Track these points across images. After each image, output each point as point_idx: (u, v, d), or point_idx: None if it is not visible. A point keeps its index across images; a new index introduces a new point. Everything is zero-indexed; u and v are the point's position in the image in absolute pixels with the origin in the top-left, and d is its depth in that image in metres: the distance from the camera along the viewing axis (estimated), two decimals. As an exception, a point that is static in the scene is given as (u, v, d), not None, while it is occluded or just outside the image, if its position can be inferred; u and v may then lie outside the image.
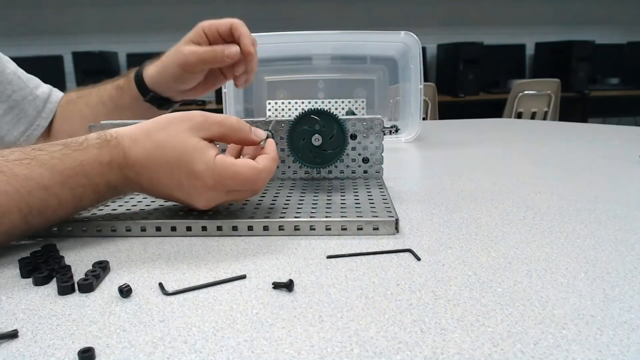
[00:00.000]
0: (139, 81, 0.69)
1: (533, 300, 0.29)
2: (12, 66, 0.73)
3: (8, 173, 0.37)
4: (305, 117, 0.53)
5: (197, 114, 0.43)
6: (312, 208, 0.45)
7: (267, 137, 0.46)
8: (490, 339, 0.25)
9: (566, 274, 0.33)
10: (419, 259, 0.36)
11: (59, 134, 0.74)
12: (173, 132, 0.41)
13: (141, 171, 0.42)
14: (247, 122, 0.57)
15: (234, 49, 0.65)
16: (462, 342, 0.25)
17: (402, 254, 0.37)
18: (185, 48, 0.65)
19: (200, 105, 2.94)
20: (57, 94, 0.78)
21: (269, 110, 1.04)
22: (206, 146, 0.41)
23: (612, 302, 0.29)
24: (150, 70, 0.69)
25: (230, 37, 0.66)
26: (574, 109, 3.22)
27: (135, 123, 0.43)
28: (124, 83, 0.70)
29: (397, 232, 0.42)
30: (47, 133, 0.75)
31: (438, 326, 0.27)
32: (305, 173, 0.59)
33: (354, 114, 1.02)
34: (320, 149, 0.54)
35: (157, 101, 0.70)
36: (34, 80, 0.76)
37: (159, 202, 0.48)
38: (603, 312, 0.28)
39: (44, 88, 0.76)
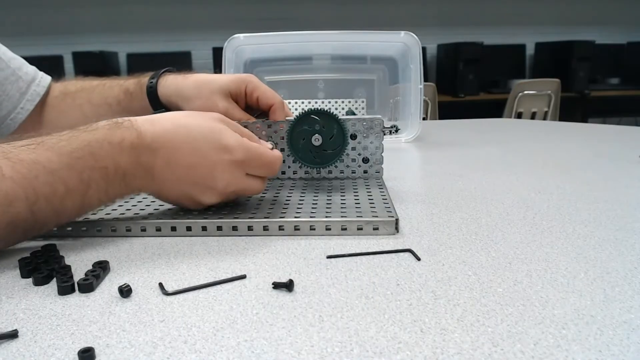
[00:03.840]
0: (152, 93, 0.63)
1: (533, 300, 0.29)
2: None
3: (14, 159, 0.36)
4: (305, 117, 0.53)
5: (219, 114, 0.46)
6: (312, 208, 0.45)
7: (272, 148, 0.47)
8: (490, 339, 0.25)
9: (566, 274, 0.33)
10: (419, 259, 0.36)
11: (55, 127, 0.71)
12: (198, 117, 0.43)
13: (159, 150, 0.41)
14: (248, 122, 0.57)
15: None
16: (462, 342, 0.25)
17: (402, 254, 0.37)
18: (221, 103, 0.59)
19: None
20: (45, 78, 0.73)
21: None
22: (233, 129, 0.43)
23: (612, 302, 0.29)
24: (168, 89, 0.62)
25: (265, 110, 0.60)
26: (574, 109, 3.22)
27: None
28: (134, 89, 0.65)
29: (397, 232, 0.42)
30: (40, 124, 0.70)
31: (438, 326, 0.27)
32: (305, 173, 0.59)
33: (354, 114, 1.02)
34: (320, 148, 0.54)
35: None
36: (17, 60, 0.71)
37: (159, 203, 0.48)
38: (603, 312, 0.28)
39: (28, 69, 0.71)
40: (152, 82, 0.63)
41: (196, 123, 0.43)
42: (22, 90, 0.69)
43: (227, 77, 0.60)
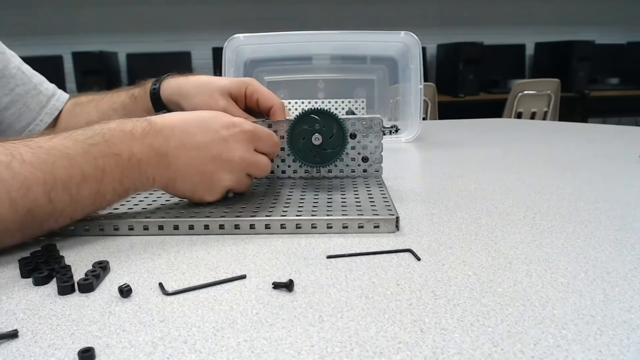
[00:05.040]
0: (154, 94, 0.65)
1: (533, 300, 0.29)
2: (17, 61, 0.73)
3: (33, 146, 0.38)
4: (305, 116, 0.53)
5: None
6: (314, 207, 0.45)
7: None
8: (490, 339, 0.25)
9: (566, 274, 0.33)
10: (419, 259, 0.36)
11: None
12: (201, 110, 0.47)
13: (171, 134, 0.43)
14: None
15: None
16: (462, 342, 0.25)
17: (402, 254, 0.37)
18: (221, 102, 0.60)
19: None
20: (63, 94, 0.77)
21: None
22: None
23: (612, 302, 0.29)
24: (170, 89, 0.64)
25: (265, 112, 0.60)
26: (574, 109, 3.22)
27: None
28: (139, 93, 0.67)
29: (398, 230, 0.42)
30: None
31: (438, 326, 0.27)
32: (305, 172, 0.59)
33: (354, 113, 1.02)
34: (320, 148, 0.54)
35: None
36: (38, 77, 0.76)
37: (161, 202, 0.48)
38: (603, 312, 0.28)
39: (49, 85, 0.76)
40: (155, 86, 0.65)
41: (201, 111, 0.47)
42: (42, 104, 0.74)
43: (228, 79, 0.62)
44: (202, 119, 0.45)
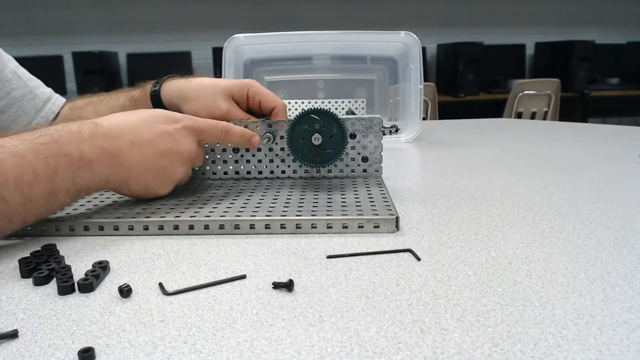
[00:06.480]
0: (155, 97, 0.64)
1: (533, 300, 0.29)
2: (13, 65, 0.73)
3: None
4: (305, 116, 0.53)
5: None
6: (314, 206, 0.45)
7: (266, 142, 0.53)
8: (490, 339, 0.25)
9: (566, 274, 0.33)
10: (419, 259, 0.36)
11: None
12: (142, 110, 0.49)
13: (120, 134, 0.43)
14: (248, 122, 0.57)
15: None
16: (462, 342, 0.25)
17: (402, 253, 0.37)
18: (223, 104, 0.59)
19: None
20: (60, 98, 0.77)
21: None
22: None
23: (612, 302, 0.29)
24: (171, 92, 0.63)
25: (267, 113, 0.61)
26: (574, 109, 3.22)
27: None
28: (139, 95, 0.66)
29: (398, 229, 0.42)
30: None
31: (438, 326, 0.27)
32: (305, 172, 0.59)
33: (353, 113, 1.02)
34: (320, 148, 0.54)
35: None
36: (34, 81, 0.76)
37: (161, 202, 0.48)
38: (603, 312, 0.28)
39: (45, 89, 0.76)
40: (155, 87, 0.64)
41: (141, 110, 0.48)
42: (37, 107, 0.74)
43: (230, 81, 0.62)
44: (144, 118, 0.46)
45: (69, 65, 3.18)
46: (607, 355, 0.24)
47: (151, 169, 0.46)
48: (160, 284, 0.32)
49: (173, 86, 0.63)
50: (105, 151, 0.42)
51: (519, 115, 2.94)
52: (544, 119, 2.95)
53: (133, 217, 0.43)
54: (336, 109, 1.03)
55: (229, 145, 0.58)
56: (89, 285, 0.32)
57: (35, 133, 0.40)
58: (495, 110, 3.02)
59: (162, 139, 0.46)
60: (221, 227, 0.42)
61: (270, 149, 0.58)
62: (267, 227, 0.42)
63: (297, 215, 0.43)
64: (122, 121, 0.45)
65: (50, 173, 0.39)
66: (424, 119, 1.02)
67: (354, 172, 0.58)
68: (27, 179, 0.38)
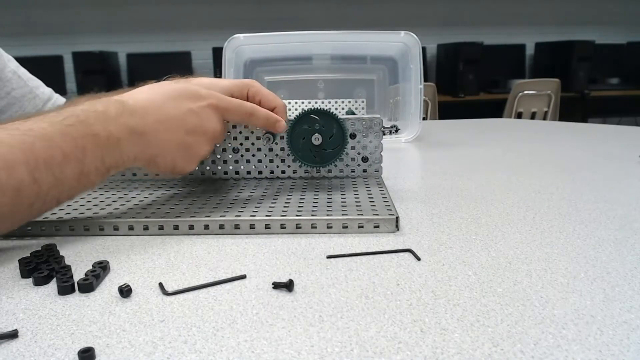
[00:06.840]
0: None
1: (533, 300, 0.29)
2: (13, 65, 0.74)
3: (9, 128, 0.38)
4: (305, 116, 0.53)
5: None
6: (314, 206, 0.45)
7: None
8: (490, 339, 0.25)
9: (566, 274, 0.33)
10: (419, 259, 0.36)
11: None
12: (168, 83, 0.48)
13: (146, 112, 0.43)
14: None
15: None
16: (462, 342, 0.25)
17: (402, 253, 0.37)
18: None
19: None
20: (60, 98, 0.78)
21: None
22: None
23: (612, 302, 0.29)
24: None
25: None
26: (574, 109, 3.22)
27: None
28: None
29: (398, 229, 0.42)
30: None
31: (438, 326, 0.27)
32: (305, 172, 0.59)
33: (353, 113, 1.02)
34: (320, 148, 0.54)
35: None
36: (35, 81, 0.76)
37: (161, 202, 0.48)
38: (603, 312, 0.28)
39: (45, 89, 0.77)
40: None
41: (168, 86, 0.47)
42: (38, 107, 0.75)
43: (230, 81, 0.62)
44: (170, 95, 0.46)
45: (69, 65, 3.18)
46: (607, 355, 0.24)
47: (178, 147, 0.46)
48: (160, 284, 0.32)
49: None
50: (132, 129, 0.42)
51: (519, 115, 2.94)
52: (544, 119, 2.95)
53: (133, 217, 0.43)
54: (336, 109, 1.03)
55: (229, 144, 0.58)
56: (89, 285, 0.32)
57: (62, 114, 0.40)
58: (495, 110, 3.02)
59: (188, 117, 0.46)
60: (221, 227, 0.42)
61: (270, 149, 0.58)
62: (267, 227, 0.42)
63: (297, 215, 0.43)
64: (147, 98, 0.45)
65: (80, 154, 0.39)
66: (424, 119, 1.02)
67: (354, 172, 0.58)
68: (57, 161, 0.38)
